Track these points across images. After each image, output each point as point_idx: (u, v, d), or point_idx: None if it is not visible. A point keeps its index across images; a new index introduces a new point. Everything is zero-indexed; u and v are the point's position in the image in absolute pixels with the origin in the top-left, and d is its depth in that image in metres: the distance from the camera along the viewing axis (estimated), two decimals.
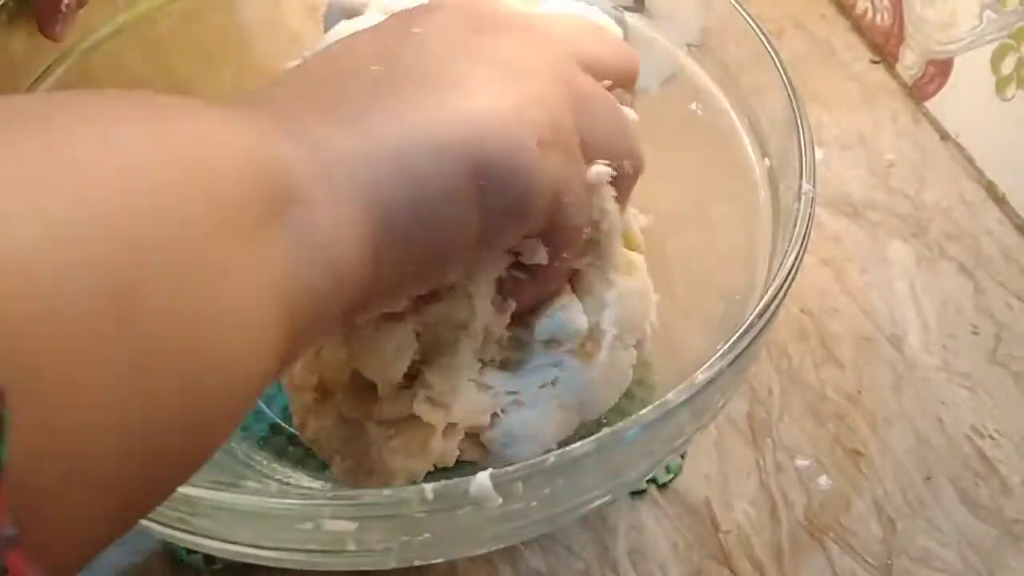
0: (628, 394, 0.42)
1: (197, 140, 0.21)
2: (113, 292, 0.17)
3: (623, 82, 0.34)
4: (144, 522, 0.30)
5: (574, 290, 0.34)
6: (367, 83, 0.27)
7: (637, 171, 0.33)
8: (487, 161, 0.26)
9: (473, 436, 0.34)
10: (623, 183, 0.32)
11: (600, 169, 0.30)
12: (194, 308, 0.19)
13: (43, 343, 0.16)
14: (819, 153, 0.36)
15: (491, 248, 0.30)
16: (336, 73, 0.28)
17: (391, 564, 0.30)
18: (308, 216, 0.23)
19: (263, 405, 0.41)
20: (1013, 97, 0.52)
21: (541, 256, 0.31)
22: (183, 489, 0.27)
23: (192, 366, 0.19)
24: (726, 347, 0.30)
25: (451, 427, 0.33)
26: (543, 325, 0.33)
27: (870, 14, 0.62)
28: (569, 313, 0.33)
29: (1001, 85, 0.53)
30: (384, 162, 0.25)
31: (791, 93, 0.37)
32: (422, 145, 0.26)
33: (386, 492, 0.27)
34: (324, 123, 0.25)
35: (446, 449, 0.33)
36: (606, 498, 0.31)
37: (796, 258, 0.32)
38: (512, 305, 0.33)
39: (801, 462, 0.43)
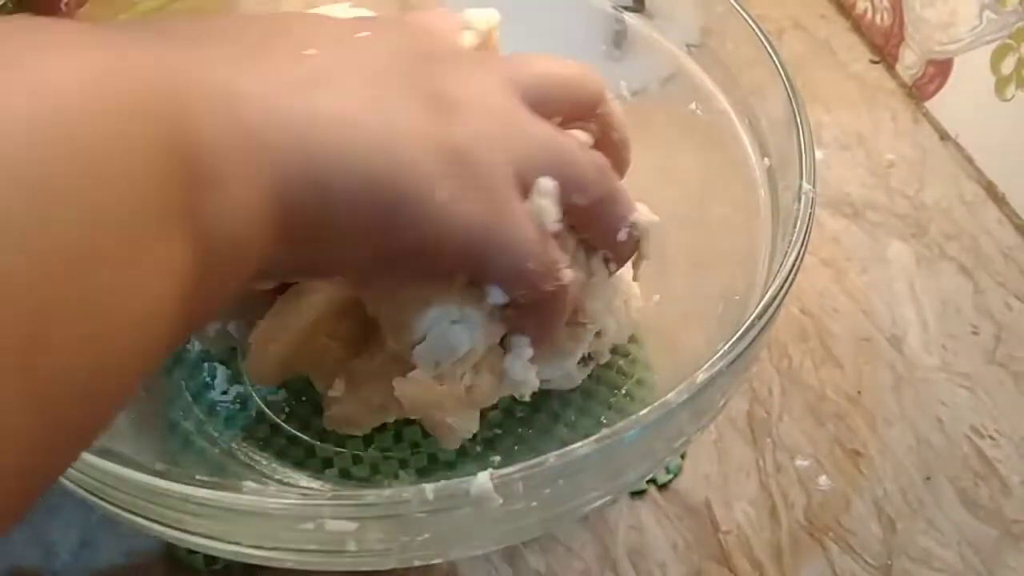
0: (628, 394, 0.42)
1: (93, 88, 0.20)
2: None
3: (582, 109, 0.32)
4: (144, 522, 0.30)
5: None
6: (297, 64, 0.26)
7: (609, 199, 0.32)
8: (394, 201, 0.26)
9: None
10: (596, 222, 0.32)
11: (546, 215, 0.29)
12: (88, 305, 0.19)
13: None
14: (819, 153, 0.36)
15: (402, 275, 0.30)
16: (266, 36, 0.27)
17: (391, 564, 0.30)
18: (218, 204, 0.23)
19: (263, 406, 0.41)
20: (1013, 97, 0.52)
21: (497, 297, 0.30)
22: (183, 489, 0.27)
23: (85, 355, 0.19)
24: (726, 347, 0.30)
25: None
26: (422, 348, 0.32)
27: (870, 14, 0.62)
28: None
29: (1001, 85, 0.53)
30: (296, 158, 0.25)
31: (791, 92, 0.37)
32: (338, 159, 0.25)
33: (386, 492, 0.27)
34: (240, 84, 0.24)
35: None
36: (606, 498, 0.31)
37: (796, 258, 0.32)
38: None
39: (801, 462, 0.43)
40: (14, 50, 0.19)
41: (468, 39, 0.34)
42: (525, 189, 0.29)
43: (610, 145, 0.33)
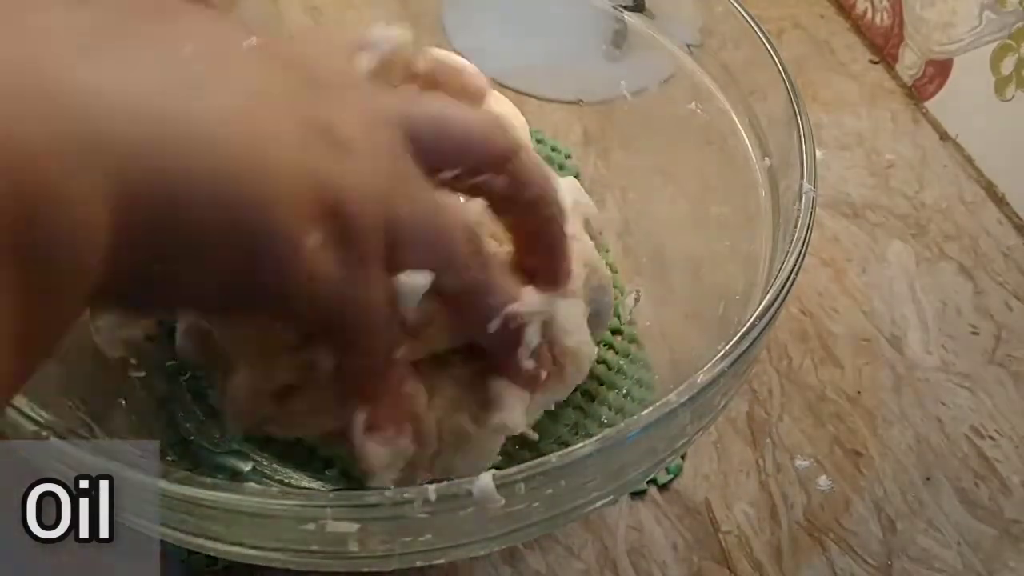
0: (628, 394, 0.42)
1: None
2: None
3: (485, 166, 0.29)
4: (144, 523, 0.30)
5: None
6: (166, 62, 0.23)
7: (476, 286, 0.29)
8: (256, 234, 0.23)
9: None
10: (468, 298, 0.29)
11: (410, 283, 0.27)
12: None
13: None
14: (819, 153, 0.36)
15: (254, 318, 0.28)
16: (143, 20, 0.24)
17: (393, 565, 0.30)
18: (53, 221, 0.20)
19: None
20: (1012, 97, 0.52)
21: (326, 363, 0.28)
22: (184, 490, 0.27)
23: None
24: (727, 348, 0.30)
25: None
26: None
27: (870, 14, 0.62)
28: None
29: (1000, 85, 0.53)
30: (143, 165, 0.22)
31: (791, 91, 0.37)
32: (201, 175, 0.22)
33: (388, 493, 0.27)
34: (108, 97, 0.21)
35: None
36: (608, 499, 0.31)
37: (797, 259, 0.32)
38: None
39: (801, 462, 0.43)
40: None
41: (364, 63, 0.30)
42: (391, 255, 0.27)
43: (523, 205, 0.30)
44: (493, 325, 0.30)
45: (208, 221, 0.23)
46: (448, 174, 0.28)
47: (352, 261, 0.25)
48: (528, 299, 0.31)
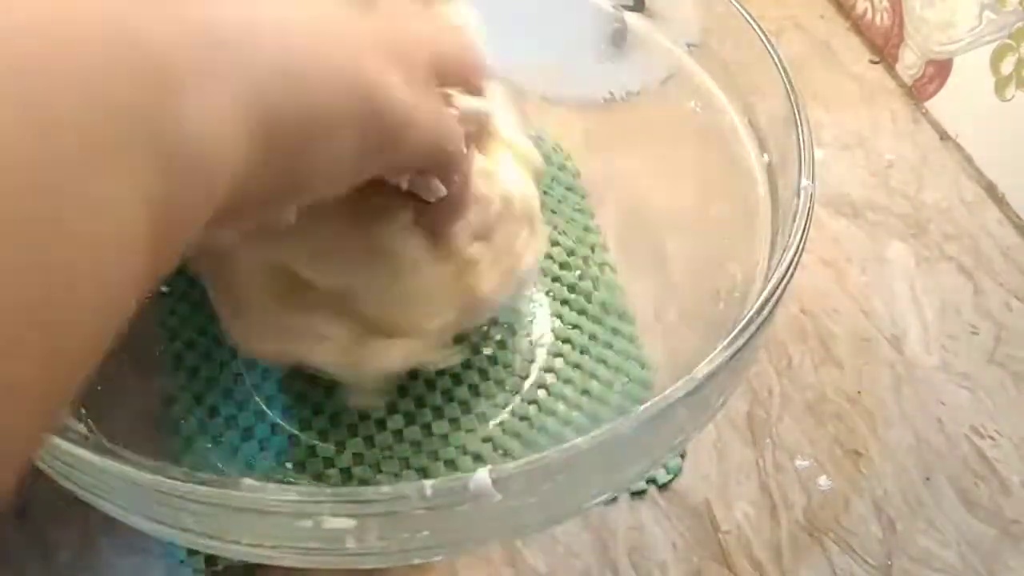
0: (626, 391, 0.42)
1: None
2: None
3: (469, 85, 0.33)
4: (144, 523, 0.30)
5: None
6: None
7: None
8: (365, 94, 0.26)
9: None
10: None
11: (470, 105, 0.32)
12: (43, 225, 0.17)
13: None
14: (818, 153, 0.36)
15: (365, 173, 0.30)
16: None
17: (391, 562, 0.30)
18: (182, 110, 0.20)
19: (264, 406, 0.41)
20: (1012, 97, 0.52)
21: (439, 190, 0.32)
22: (183, 488, 0.27)
23: (49, 291, 0.17)
24: (726, 343, 0.30)
25: None
26: None
27: (870, 14, 0.62)
28: None
29: (1000, 85, 0.53)
30: (273, 63, 0.23)
31: (790, 89, 0.37)
32: (313, 58, 0.25)
33: (385, 489, 0.27)
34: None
35: None
36: (606, 495, 0.31)
37: (795, 253, 0.32)
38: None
39: (801, 462, 0.43)
40: None
41: None
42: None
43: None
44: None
45: (335, 112, 0.25)
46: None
47: (425, 90, 0.29)
48: (463, 102, 0.33)
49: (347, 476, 0.39)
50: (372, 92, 0.26)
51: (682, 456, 0.43)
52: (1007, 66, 0.52)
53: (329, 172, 0.27)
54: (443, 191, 0.32)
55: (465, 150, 0.32)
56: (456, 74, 0.32)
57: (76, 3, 0.19)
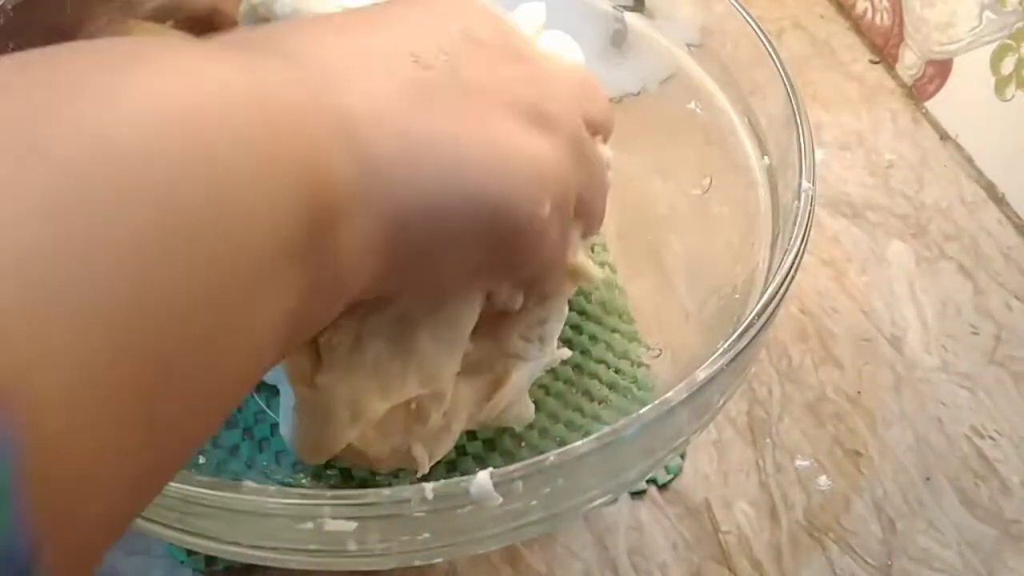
0: (627, 394, 0.42)
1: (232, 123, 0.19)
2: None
3: (606, 136, 0.33)
4: (144, 523, 0.30)
5: None
6: (409, 81, 0.25)
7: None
8: (506, 220, 0.26)
9: None
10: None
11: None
12: (207, 345, 0.18)
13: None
14: (818, 153, 0.36)
15: (478, 288, 0.30)
16: (378, 53, 0.25)
17: (391, 564, 0.30)
18: (340, 246, 0.22)
19: (264, 406, 0.41)
20: (1012, 97, 0.52)
21: (517, 303, 0.31)
22: (183, 488, 0.27)
23: (199, 397, 0.18)
24: (726, 345, 0.30)
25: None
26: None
27: (870, 14, 0.62)
28: None
29: (1000, 85, 0.53)
30: (427, 191, 0.24)
31: (790, 90, 0.37)
32: (454, 185, 0.24)
33: (386, 492, 0.27)
34: (369, 121, 0.23)
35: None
36: (606, 497, 0.31)
37: (796, 255, 0.32)
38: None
39: (801, 462, 0.43)
40: (151, 57, 0.18)
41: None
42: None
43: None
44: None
45: (465, 223, 0.25)
46: None
47: (564, 220, 0.29)
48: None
49: (347, 477, 0.39)
50: (518, 225, 0.26)
51: (682, 456, 0.43)
52: (1007, 66, 0.52)
53: (447, 283, 0.28)
54: (518, 306, 0.32)
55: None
56: (599, 129, 0.32)
57: (274, 117, 0.19)
